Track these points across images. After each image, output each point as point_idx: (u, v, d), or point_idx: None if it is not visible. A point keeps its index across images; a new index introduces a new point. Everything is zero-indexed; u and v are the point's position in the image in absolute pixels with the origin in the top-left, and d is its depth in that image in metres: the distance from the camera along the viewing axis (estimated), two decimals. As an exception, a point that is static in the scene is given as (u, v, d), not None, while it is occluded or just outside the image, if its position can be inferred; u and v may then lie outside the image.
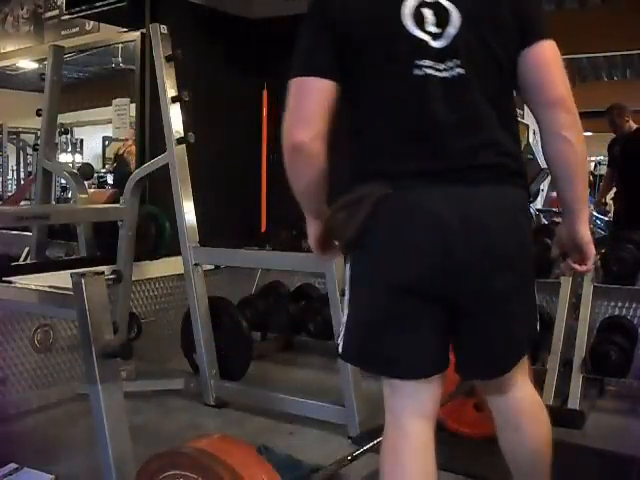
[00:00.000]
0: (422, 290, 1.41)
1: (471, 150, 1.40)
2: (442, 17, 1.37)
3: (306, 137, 1.40)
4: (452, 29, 1.37)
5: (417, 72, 1.37)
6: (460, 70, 1.38)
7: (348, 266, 1.52)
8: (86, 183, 4.46)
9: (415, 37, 1.36)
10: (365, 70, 1.42)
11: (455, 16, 1.37)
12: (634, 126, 4.89)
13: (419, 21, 1.37)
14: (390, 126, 1.42)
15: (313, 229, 1.63)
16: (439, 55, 1.37)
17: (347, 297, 1.53)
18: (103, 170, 7.26)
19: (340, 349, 1.55)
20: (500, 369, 1.58)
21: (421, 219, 1.38)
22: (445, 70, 1.37)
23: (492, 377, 1.61)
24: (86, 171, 5.62)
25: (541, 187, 7.27)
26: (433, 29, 1.37)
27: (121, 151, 5.97)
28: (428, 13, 1.37)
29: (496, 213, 1.41)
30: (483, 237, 1.39)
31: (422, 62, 1.37)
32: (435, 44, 1.37)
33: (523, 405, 1.64)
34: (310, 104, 1.40)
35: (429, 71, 1.37)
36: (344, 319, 1.54)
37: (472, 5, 1.39)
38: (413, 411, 1.49)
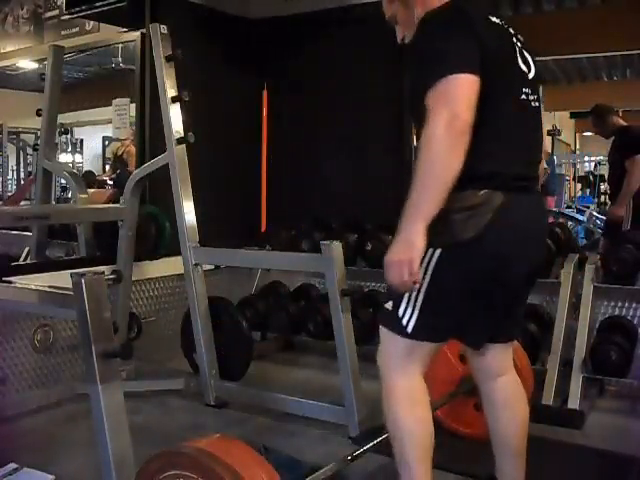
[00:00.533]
0: (510, 280, 1.77)
1: (536, 164, 1.84)
2: (527, 62, 1.78)
3: (468, 123, 1.54)
4: (532, 72, 1.79)
5: (522, 97, 1.75)
6: (537, 103, 1.80)
7: (437, 255, 1.67)
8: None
9: (523, 71, 1.77)
10: (490, 86, 1.62)
11: (532, 64, 1.80)
12: (623, 124, 4.86)
13: (522, 60, 1.77)
14: (500, 136, 1.70)
15: (419, 239, 1.55)
16: (530, 88, 1.77)
17: (426, 283, 1.70)
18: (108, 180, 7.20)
19: (410, 329, 1.74)
20: (513, 336, 2.02)
21: (519, 229, 1.72)
22: (532, 101, 1.77)
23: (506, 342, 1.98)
24: (89, 179, 5.68)
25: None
26: (526, 68, 1.78)
27: (120, 152, 5.96)
28: (521, 56, 1.77)
29: (543, 216, 1.91)
30: (543, 236, 1.90)
31: (525, 90, 1.75)
32: (529, 78, 1.78)
33: (514, 386, 2.00)
34: (470, 95, 1.57)
35: (528, 97, 1.76)
36: (418, 303, 1.72)
37: (533, 62, 1.81)
38: (421, 369, 1.82)
